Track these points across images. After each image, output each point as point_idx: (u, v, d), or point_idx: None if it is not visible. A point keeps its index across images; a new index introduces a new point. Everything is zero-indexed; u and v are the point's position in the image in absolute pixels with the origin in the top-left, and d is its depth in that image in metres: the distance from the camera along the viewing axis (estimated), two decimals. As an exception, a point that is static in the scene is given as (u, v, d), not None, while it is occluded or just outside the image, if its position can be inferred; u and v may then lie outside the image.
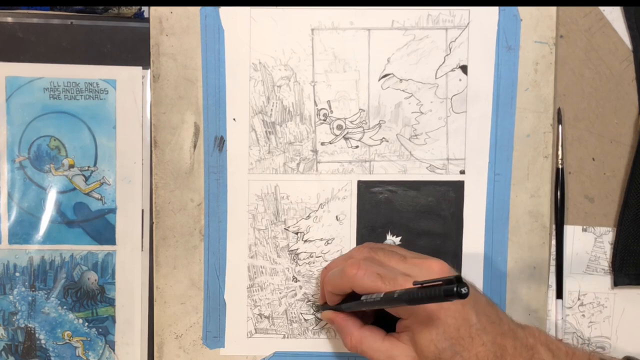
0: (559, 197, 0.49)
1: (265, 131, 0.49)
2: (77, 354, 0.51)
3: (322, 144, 0.49)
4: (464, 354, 0.39)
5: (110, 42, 0.49)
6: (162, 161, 0.49)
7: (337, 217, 0.50)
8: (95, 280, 0.50)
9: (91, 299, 0.50)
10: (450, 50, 0.49)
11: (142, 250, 0.50)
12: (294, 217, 0.50)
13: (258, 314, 0.50)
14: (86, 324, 0.50)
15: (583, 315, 0.50)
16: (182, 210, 0.49)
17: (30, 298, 0.50)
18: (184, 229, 0.49)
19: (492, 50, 0.48)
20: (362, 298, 0.41)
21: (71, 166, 0.50)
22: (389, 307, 0.41)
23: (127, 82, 0.49)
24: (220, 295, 0.50)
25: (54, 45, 0.49)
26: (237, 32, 0.48)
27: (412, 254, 0.44)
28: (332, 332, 0.50)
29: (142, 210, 0.50)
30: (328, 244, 0.50)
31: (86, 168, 0.50)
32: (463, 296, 0.31)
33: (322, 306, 0.48)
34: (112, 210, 0.50)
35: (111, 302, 0.50)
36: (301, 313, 0.50)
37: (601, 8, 0.49)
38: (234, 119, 0.49)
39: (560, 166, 0.49)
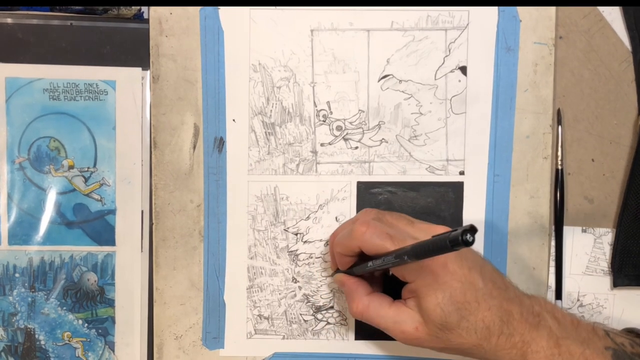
0: (558, 198, 0.49)
1: (265, 132, 0.49)
2: (76, 355, 0.51)
3: (322, 144, 0.49)
4: (470, 318, 0.39)
5: (110, 43, 0.49)
6: (161, 162, 0.49)
7: (336, 218, 0.50)
8: (95, 281, 0.50)
9: (91, 299, 0.50)
10: (449, 51, 0.49)
11: (141, 251, 0.50)
12: (294, 218, 0.50)
13: (257, 315, 0.50)
14: (86, 324, 0.50)
15: (582, 316, 0.50)
16: (182, 211, 0.49)
17: (30, 299, 0.50)
18: (183, 230, 0.49)
19: (492, 51, 0.48)
20: (371, 260, 0.41)
21: (71, 167, 0.50)
22: (397, 267, 0.41)
23: (127, 83, 0.49)
24: (219, 296, 0.50)
25: (54, 46, 0.49)
26: (237, 33, 0.48)
27: (419, 221, 0.44)
28: (331, 332, 0.50)
29: (142, 211, 0.50)
30: (328, 245, 0.50)
31: (86, 169, 0.50)
32: (469, 243, 0.31)
33: (335, 272, 0.48)
34: (112, 211, 0.50)
35: (111, 303, 0.50)
36: (301, 314, 0.50)
37: (600, 9, 0.49)
38: (234, 120, 0.49)
39: (559, 167, 0.49)
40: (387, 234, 0.41)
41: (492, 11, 0.48)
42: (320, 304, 0.50)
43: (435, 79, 0.49)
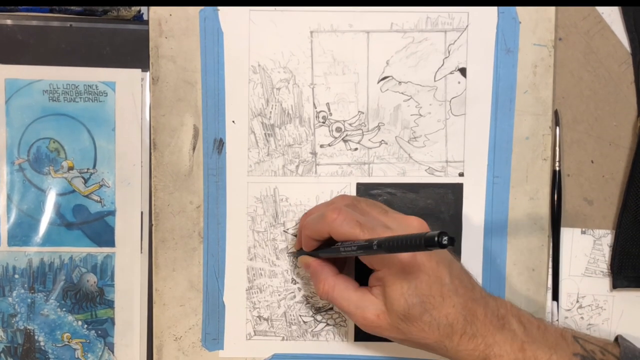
0: (555, 199, 0.49)
1: (265, 133, 0.49)
2: (76, 356, 0.51)
3: (321, 146, 0.49)
4: (434, 312, 0.39)
5: (110, 45, 0.49)
6: (161, 163, 0.49)
7: (336, 219, 0.50)
8: (95, 282, 0.50)
9: (90, 301, 0.50)
10: (449, 52, 0.49)
11: (141, 252, 0.50)
12: (293, 219, 0.50)
13: (257, 316, 0.50)
14: (85, 325, 0.50)
15: (582, 318, 0.50)
16: (181, 213, 0.49)
17: (29, 300, 0.50)
18: (183, 231, 0.49)
19: (491, 52, 0.49)
20: (339, 244, 0.41)
21: (70, 168, 0.50)
22: (365, 256, 0.41)
23: (127, 85, 0.49)
24: (219, 297, 0.50)
25: (54, 47, 0.49)
26: (237, 35, 0.48)
27: (393, 210, 0.44)
28: (331, 334, 0.50)
29: (142, 213, 0.50)
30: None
31: (85, 170, 0.50)
32: (443, 246, 0.31)
33: (298, 252, 0.48)
34: (112, 213, 0.50)
35: (110, 304, 0.50)
36: (300, 315, 0.50)
37: (600, 11, 0.49)
38: (233, 122, 0.49)
39: (557, 168, 0.49)
40: (357, 222, 0.40)
41: (491, 13, 0.48)
42: (320, 305, 0.50)
43: (435, 81, 0.49)
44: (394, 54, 0.49)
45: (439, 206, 0.49)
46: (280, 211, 0.50)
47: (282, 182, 0.49)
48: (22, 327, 0.50)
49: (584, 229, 0.50)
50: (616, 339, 0.43)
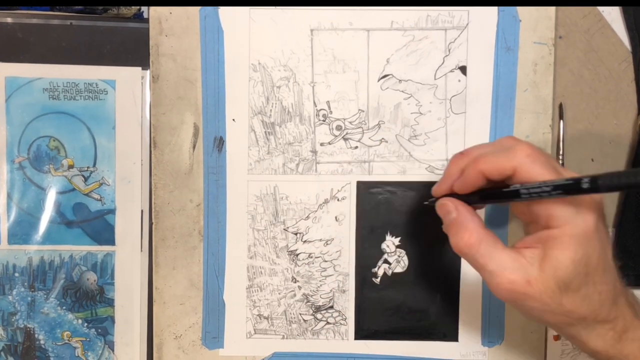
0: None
1: (265, 132, 0.49)
2: (76, 354, 0.51)
3: (322, 144, 0.49)
4: (590, 287, 0.35)
5: (110, 43, 0.49)
6: (161, 162, 0.49)
7: (336, 217, 0.50)
8: (95, 280, 0.50)
9: (90, 299, 0.50)
10: (449, 51, 0.49)
11: (141, 250, 0.50)
12: (293, 217, 0.50)
13: (257, 315, 0.50)
14: (85, 324, 0.50)
15: None
16: (182, 211, 0.49)
17: (29, 298, 0.50)
18: (183, 230, 0.49)
19: (491, 51, 0.49)
20: (520, 186, 0.35)
21: (70, 167, 0.50)
22: (536, 211, 0.36)
23: (127, 83, 0.49)
24: (219, 295, 0.50)
25: (54, 45, 0.49)
26: (237, 33, 0.48)
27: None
28: (331, 332, 0.50)
29: (142, 211, 0.50)
30: (327, 244, 0.50)
31: (85, 168, 0.50)
32: None
33: (436, 199, 0.42)
34: (112, 211, 0.50)
35: (110, 303, 0.50)
36: (300, 314, 0.50)
37: (600, 9, 0.49)
38: (234, 120, 0.49)
39: (560, 163, 0.49)
40: (552, 164, 0.35)
41: (491, 11, 0.48)
42: (320, 303, 0.50)
43: (435, 79, 0.49)
44: (394, 52, 0.49)
45: (439, 204, 0.49)
46: (280, 209, 0.49)
47: (282, 180, 0.49)
48: (22, 326, 0.50)
49: (584, 228, 0.50)
50: None
